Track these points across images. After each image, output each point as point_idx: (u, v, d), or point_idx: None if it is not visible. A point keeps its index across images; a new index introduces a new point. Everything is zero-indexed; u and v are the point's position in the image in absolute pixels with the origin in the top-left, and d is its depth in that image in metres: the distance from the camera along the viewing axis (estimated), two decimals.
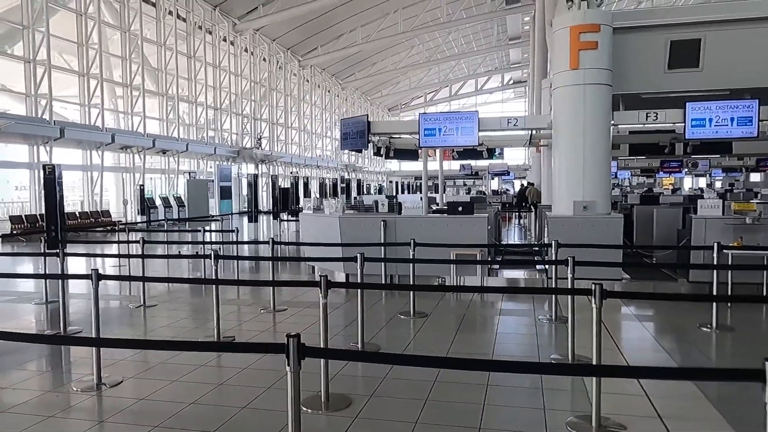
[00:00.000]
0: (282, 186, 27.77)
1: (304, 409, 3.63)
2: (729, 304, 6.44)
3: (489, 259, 8.37)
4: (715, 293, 5.83)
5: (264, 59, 31.06)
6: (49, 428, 3.53)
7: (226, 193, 26.03)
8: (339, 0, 26.26)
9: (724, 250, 6.12)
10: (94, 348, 4.28)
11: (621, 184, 32.37)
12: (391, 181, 53.48)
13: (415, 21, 31.56)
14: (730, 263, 6.47)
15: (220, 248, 7.61)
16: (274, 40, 31.11)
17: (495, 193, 31.01)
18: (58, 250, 6.42)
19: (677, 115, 8.14)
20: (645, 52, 8.22)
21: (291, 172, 33.66)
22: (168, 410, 3.73)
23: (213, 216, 22.93)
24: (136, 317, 6.54)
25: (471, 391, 3.96)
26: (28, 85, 17.36)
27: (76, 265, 10.38)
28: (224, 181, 26.02)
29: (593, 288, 3.34)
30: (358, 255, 5.25)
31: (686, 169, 24.93)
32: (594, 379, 3.35)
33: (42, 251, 7.30)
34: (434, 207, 9.85)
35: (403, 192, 47.17)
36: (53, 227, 12.85)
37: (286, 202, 25.82)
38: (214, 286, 5.38)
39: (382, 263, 7.72)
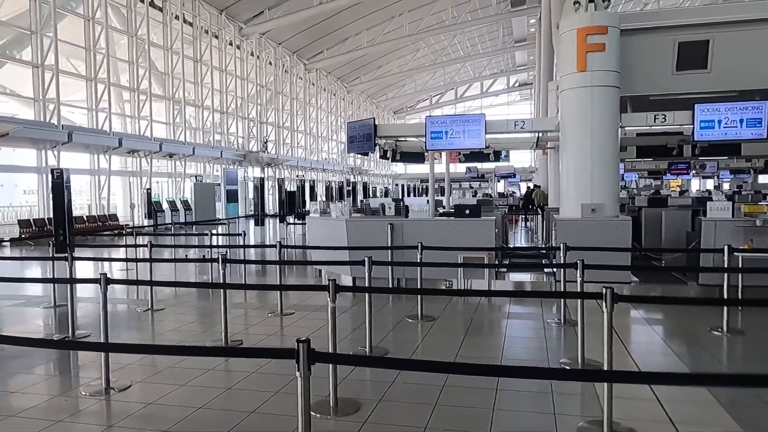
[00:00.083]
0: (288, 189, 27.80)
1: (313, 413, 3.61)
2: (740, 308, 6.38)
3: (496, 262, 8.33)
4: (726, 296, 5.78)
5: (270, 63, 31.15)
6: None
7: (232, 197, 26.10)
8: (344, 4, 26.32)
9: (735, 253, 6.07)
10: (102, 353, 4.28)
11: (628, 186, 32.25)
12: (396, 184, 53.47)
13: (420, 24, 31.58)
14: (740, 266, 6.41)
15: (227, 252, 7.60)
16: (280, 44, 31.21)
17: (501, 195, 30.94)
18: (66, 254, 6.44)
19: (686, 117, 8.10)
20: (653, 54, 8.18)
21: (297, 176, 33.70)
22: (176, 415, 3.72)
23: (220, 219, 22.98)
24: (144, 321, 6.55)
25: (480, 395, 3.94)
26: (37, 89, 17.48)
27: (84, 268, 10.41)
28: (231, 184, 26.09)
29: (604, 292, 3.30)
30: (366, 259, 5.23)
31: (694, 171, 24.80)
32: (605, 384, 3.32)
33: (50, 255, 7.32)
34: (441, 210, 9.83)
35: (409, 195, 47.11)
36: (61, 231, 12.90)
37: (292, 205, 25.86)
38: (221, 290, 5.38)
39: (389, 266, 7.70)
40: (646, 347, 5.36)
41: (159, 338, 5.81)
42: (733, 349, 5.34)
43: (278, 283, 7.47)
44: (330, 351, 3.81)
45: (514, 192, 37.20)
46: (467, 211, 8.17)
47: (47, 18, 17.46)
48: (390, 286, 7.79)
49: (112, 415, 3.84)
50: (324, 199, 32.55)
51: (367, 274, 5.27)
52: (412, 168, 48.99)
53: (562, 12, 8.91)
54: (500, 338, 5.62)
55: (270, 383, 4.22)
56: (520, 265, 9.61)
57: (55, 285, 7.28)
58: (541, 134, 11.00)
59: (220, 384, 4.31)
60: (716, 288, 6.77)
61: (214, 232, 10.59)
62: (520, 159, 39.24)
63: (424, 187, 49.21)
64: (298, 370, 2.55)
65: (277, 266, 7.70)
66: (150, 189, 21.49)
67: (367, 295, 4.99)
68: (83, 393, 4.14)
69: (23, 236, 15.80)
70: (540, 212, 15.89)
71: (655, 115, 8.14)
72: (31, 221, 16.77)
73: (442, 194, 21.90)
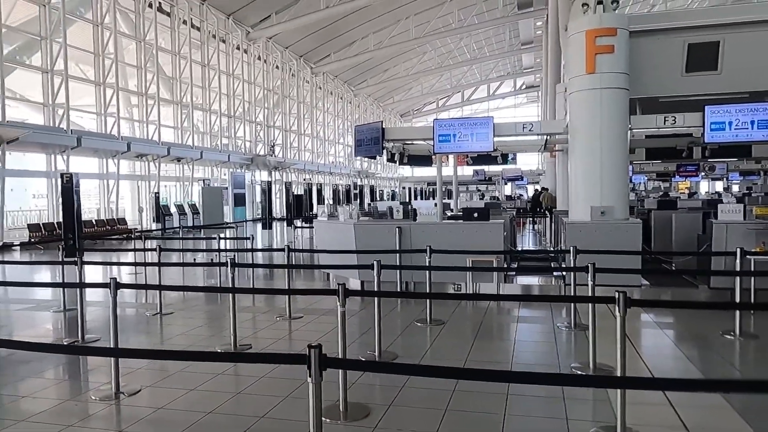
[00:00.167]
0: (295, 193, 27.84)
1: (324, 419, 3.59)
2: (752, 312, 6.30)
3: (505, 265, 8.29)
4: (738, 300, 5.71)
5: (277, 67, 31.25)
6: None
7: (240, 201, 26.13)
8: (351, 7, 26.36)
9: (747, 256, 6.00)
10: (112, 358, 4.29)
11: (636, 188, 32.07)
12: (403, 187, 53.45)
13: (426, 27, 31.60)
14: (752, 269, 6.34)
15: (235, 256, 7.61)
16: (286, 48, 31.30)
17: (509, 198, 30.85)
18: (76, 259, 6.47)
19: (696, 119, 8.03)
20: (662, 56, 8.13)
21: (304, 179, 33.76)
22: (186, 419, 3.72)
23: (227, 223, 23.03)
24: (152, 325, 6.56)
25: (491, 400, 3.91)
26: (46, 95, 17.62)
27: (92, 272, 10.46)
28: (238, 188, 26.14)
29: (617, 296, 3.26)
30: (375, 263, 5.22)
31: (703, 173, 24.64)
32: (618, 390, 3.28)
33: (60, 259, 7.35)
34: (449, 213, 9.80)
35: (415, 198, 47.06)
36: (71, 235, 12.96)
37: (299, 208, 25.87)
38: (230, 294, 5.37)
39: (398, 270, 7.67)
40: (657, 351, 5.31)
41: (168, 342, 5.81)
42: (746, 353, 5.28)
43: (287, 287, 7.47)
44: (340, 356, 3.79)
45: (521, 195, 37.09)
46: (475, 214, 8.14)
47: (57, 24, 17.60)
48: (398, 289, 7.77)
49: (122, 419, 3.84)
50: (331, 202, 32.60)
51: (376, 278, 5.25)
52: (418, 171, 48.97)
53: (570, 14, 8.86)
54: (510, 342, 5.59)
55: (279, 388, 4.21)
56: (529, 269, 9.56)
57: (65, 289, 7.31)
58: (549, 137, 10.94)
59: (229, 388, 4.31)
60: (728, 291, 6.70)
61: (222, 235, 10.60)
62: (527, 161, 39.13)
63: (431, 190, 49.20)
64: (310, 376, 2.53)
65: (286, 270, 7.70)
66: (158, 193, 21.58)
67: (375, 299, 4.97)
68: (93, 397, 4.15)
69: (33, 240, 15.91)
70: (548, 215, 15.84)
71: (665, 117, 8.08)
72: (41, 225, 16.88)
73: (449, 197, 21.88)
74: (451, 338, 5.71)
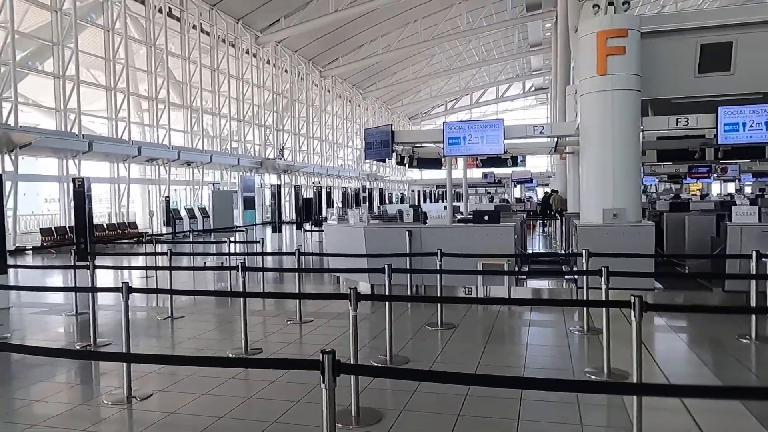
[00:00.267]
0: (305, 196, 27.88)
1: (336, 424, 3.57)
2: None
3: (516, 269, 8.23)
4: (754, 304, 5.63)
5: (286, 71, 31.37)
6: None
7: (249, 204, 26.22)
8: (359, 11, 26.42)
9: (763, 259, 5.91)
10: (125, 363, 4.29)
11: (648, 190, 31.79)
12: (412, 190, 53.39)
13: (435, 30, 31.58)
14: None
15: (245, 259, 7.61)
16: (295, 52, 31.42)
17: (518, 200, 30.70)
18: (88, 263, 6.49)
19: (709, 120, 7.94)
20: (674, 57, 8.06)
21: (313, 182, 33.82)
22: (198, 424, 3.71)
23: (237, 227, 23.11)
24: (164, 329, 6.57)
25: (504, 405, 3.87)
26: (58, 100, 17.78)
27: (104, 276, 10.51)
28: (248, 191, 26.22)
29: (632, 301, 3.20)
30: (386, 266, 5.19)
31: (715, 175, 24.39)
32: (635, 396, 3.23)
33: (72, 263, 7.39)
34: (459, 216, 9.76)
35: (425, 200, 46.98)
36: (83, 239, 13.03)
37: (309, 212, 25.89)
38: (241, 298, 5.37)
39: (408, 274, 7.64)
40: (672, 355, 5.24)
41: (179, 347, 5.82)
42: (762, 357, 5.20)
43: (297, 290, 7.47)
44: (352, 361, 3.76)
45: (531, 197, 36.92)
46: (486, 217, 8.09)
47: (68, 30, 17.77)
48: (409, 293, 7.74)
49: (134, 423, 3.84)
50: (341, 205, 32.61)
51: (387, 281, 5.22)
52: (427, 174, 48.89)
53: (580, 15, 8.81)
54: (522, 346, 5.54)
55: (291, 392, 4.19)
56: (540, 272, 9.49)
57: (77, 293, 7.35)
58: (559, 139, 10.86)
59: (240, 393, 4.30)
60: (743, 295, 6.61)
61: (232, 239, 10.62)
62: (537, 164, 38.95)
63: (440, 192, 49.08)
64: (323, 382, 2.51)
65: (296, 274, 7.70)
66: (168, 197, 21.70)
67: (387, 303, 4.94)
68: (105, 402, 4.15)
69: (45, 244, 16.04)
70: (558, 218, 15.73)
71: (677, 119, 7.99)
72: (53, 229, 17.02)
73: (458, 200, 21.79)
74: (462, 342, 5.67)
